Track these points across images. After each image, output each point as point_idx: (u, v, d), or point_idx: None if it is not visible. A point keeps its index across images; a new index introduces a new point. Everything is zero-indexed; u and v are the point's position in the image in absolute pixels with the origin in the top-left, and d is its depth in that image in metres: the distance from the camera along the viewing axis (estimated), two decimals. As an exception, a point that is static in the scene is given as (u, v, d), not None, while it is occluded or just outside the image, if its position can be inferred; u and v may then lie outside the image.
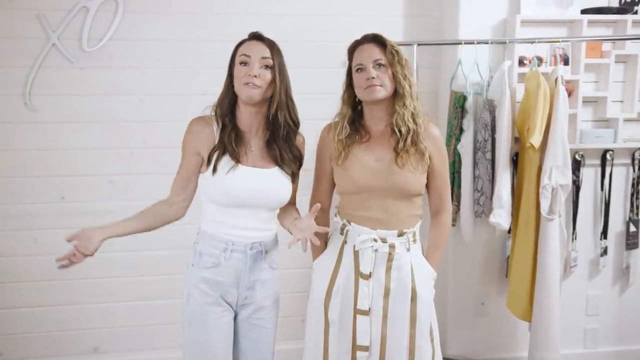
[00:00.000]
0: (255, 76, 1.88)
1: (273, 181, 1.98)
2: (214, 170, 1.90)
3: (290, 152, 2.01)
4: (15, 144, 3.02)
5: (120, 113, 3.07)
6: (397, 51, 2.00)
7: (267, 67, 1.91)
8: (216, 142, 1.93)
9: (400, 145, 2.00)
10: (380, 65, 1.99)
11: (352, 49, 2.07)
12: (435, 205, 2.17)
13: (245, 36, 1.99)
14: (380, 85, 1.99)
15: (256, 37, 1.97)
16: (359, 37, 2.06)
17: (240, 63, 1.91)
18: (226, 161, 1.91)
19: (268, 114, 1.96)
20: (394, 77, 1.99)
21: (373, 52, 2.00)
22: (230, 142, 1.92)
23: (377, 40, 2.02)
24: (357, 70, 2.03)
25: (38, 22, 2.93)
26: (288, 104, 1.97)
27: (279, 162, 1.98)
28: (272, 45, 1.95)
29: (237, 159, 1.92)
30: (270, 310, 2.07)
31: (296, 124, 2.02)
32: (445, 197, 2.16)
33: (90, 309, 3.17)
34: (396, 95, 2.02)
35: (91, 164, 3.08)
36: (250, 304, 2.02)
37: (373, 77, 1.98)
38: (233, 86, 1.94)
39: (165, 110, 3.05)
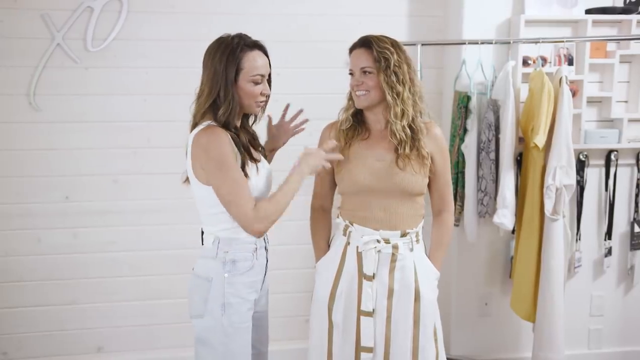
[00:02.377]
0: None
1: (267, 163, 2.07)
2: (246, 176, 1.88)
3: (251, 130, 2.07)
4: (19, 144, 3.02)
5: (124, 113, 3.07)
6: (386, 58, 1.93)
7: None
8: (235, 150, 1.89)
9: (400, 151, 1.99)
10: (365, 72, 1.97)
11: (349, 52, 2.06)
12: (438, 205, 2.16)
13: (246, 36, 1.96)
14: (367, 91, 1.97)
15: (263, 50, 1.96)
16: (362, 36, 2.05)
17: (255, 83, 1.91)
18: (250, 165, 1.92)
19: None
20: (381, 84, 1.95)
21: (360, 59, 1.98)
22: (249, 146, 1.94)
23: (366, 45, 1.98)
24: (349, 74, 2.03)
25: (42, 22, 2.94)
26: None
27: (259, 144, 2.06)
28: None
29: (255, 159, 1.93)
30: (268, 292, 2.12)
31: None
32: (447, 198, 2.15)
33: (93, 309, 3.17)
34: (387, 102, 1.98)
35: (95, 164, 3.08)
36: (263, 294, 2.05)
37: (357, 85, 1.98)
38: (234, 96, 1.88)
39: (169, 110, 3.05)
